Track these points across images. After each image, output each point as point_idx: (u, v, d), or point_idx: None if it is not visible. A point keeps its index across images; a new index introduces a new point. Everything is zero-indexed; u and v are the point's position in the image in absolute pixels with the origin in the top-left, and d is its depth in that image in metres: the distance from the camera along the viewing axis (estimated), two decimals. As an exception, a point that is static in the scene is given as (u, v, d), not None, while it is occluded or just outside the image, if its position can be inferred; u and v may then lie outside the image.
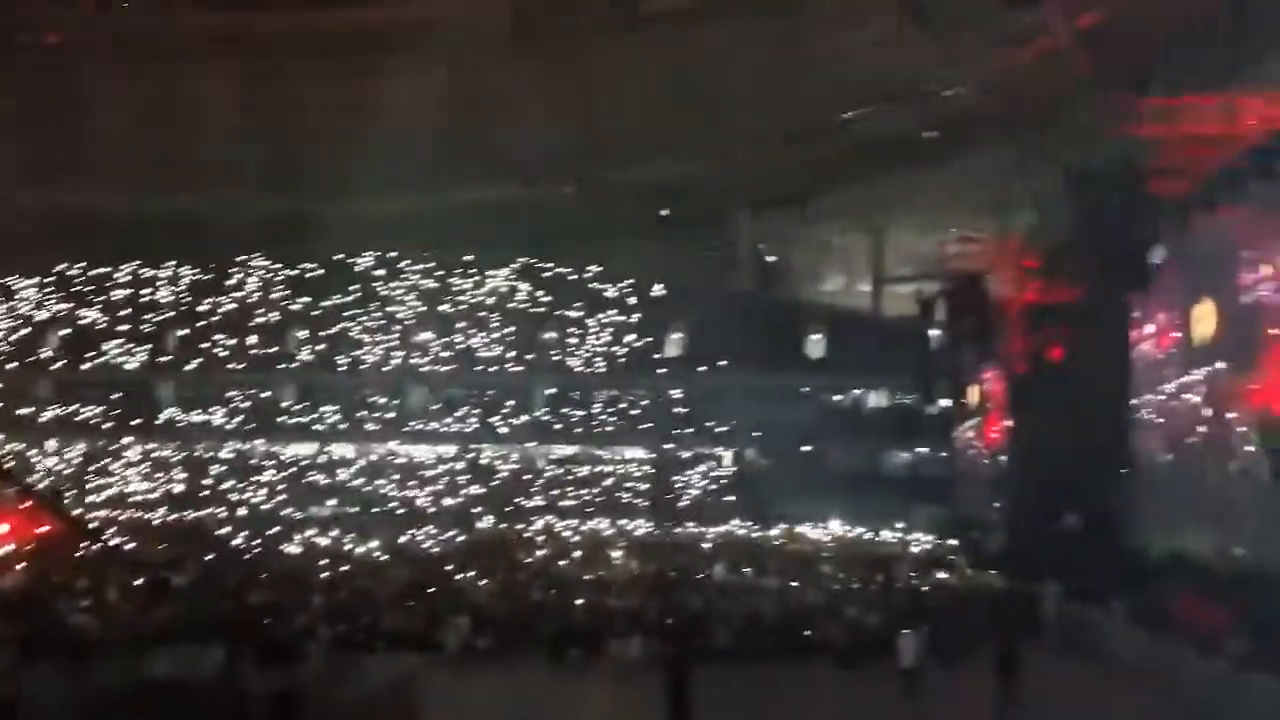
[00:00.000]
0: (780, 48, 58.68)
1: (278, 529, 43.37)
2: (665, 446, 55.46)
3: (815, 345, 58.46)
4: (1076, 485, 31.88)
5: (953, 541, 38.36)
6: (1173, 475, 25.78)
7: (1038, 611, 25.71)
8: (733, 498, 52.94)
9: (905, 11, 54.61)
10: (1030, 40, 50.08)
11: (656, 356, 57.78)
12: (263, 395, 56.49)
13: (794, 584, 29.10)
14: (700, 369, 56.31)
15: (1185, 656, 18.23)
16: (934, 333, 45.33)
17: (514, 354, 57.79)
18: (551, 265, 60.80)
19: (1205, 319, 23.79)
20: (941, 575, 30.17)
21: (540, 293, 59.75)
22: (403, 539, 39.19)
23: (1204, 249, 23.81)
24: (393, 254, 60.94)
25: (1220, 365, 22.92)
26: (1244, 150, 20.89)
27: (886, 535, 41.13)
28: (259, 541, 38.97)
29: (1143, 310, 27.16)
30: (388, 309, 59.37)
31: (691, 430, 55.47)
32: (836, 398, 58.69)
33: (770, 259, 67.67)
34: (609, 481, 54.84)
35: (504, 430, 56.19)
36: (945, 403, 47.37)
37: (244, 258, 60.91)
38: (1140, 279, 24.34)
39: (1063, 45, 47.74)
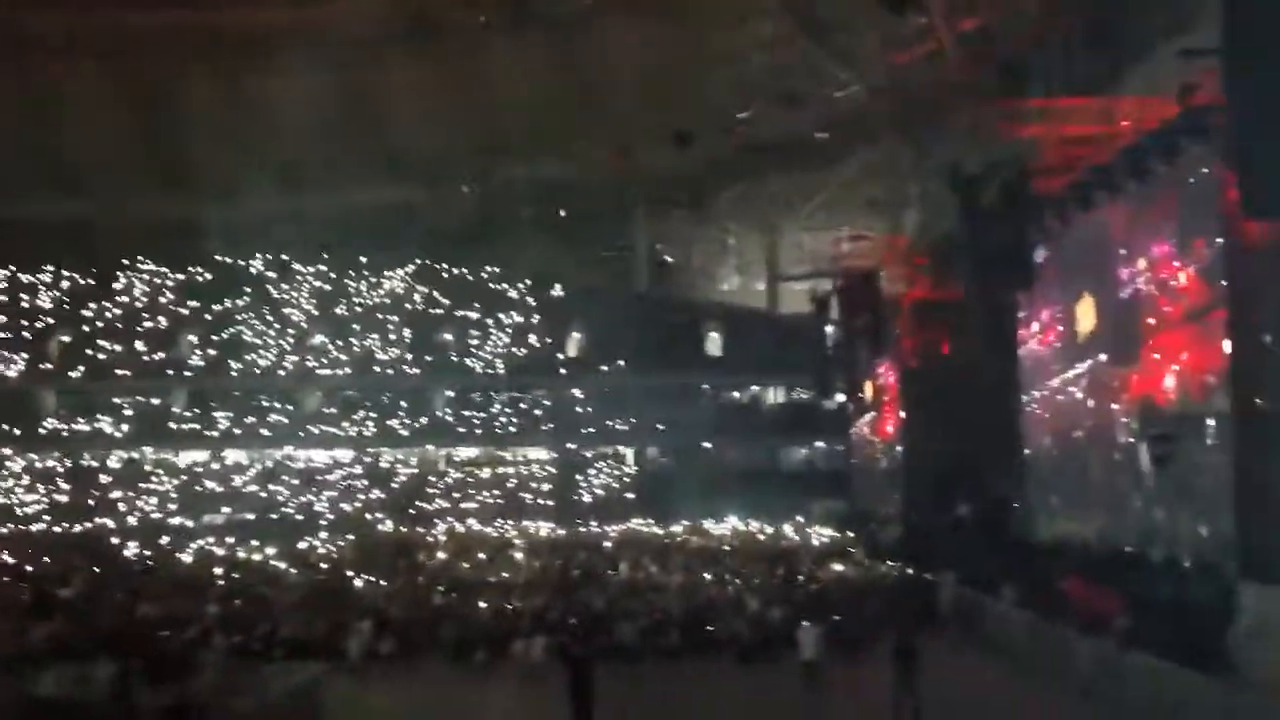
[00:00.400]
0: (675, 47, 59.08)
1: (170, 538, 42.36)
2: (567, 446, 55.53)
3: (713, 343, 59.08)
4: (968, 477, 32.77)
5: (850, 534, 39.06)
6: (1059, 465, 26.63)
7: (934, 601, 26.36)
8: (635, 496, 53.24)
9: (795, 14, 55.46)
10: (916, 43, 51.24)
11: (557, 356, 57.78)
12: (152, 402, 55.07)
13: (696, 580, 29.30)
14: (600, 368, 56.48)
15: (1072, 638, 18.85)
16: (829, 330, 46.07)
17: (412, 356, 57.26)
18: (449, 266, 60.34)
19: (1086, 314, 24.66)
20: (840, 568, 30.67)
21: (438, 294, 59.25)
22: (301, 545, 38.53)
23: (1084, 246, 24.65)
24: (285, 256, 59.85)
25: (1101, 358, 23.76)
26: (1119, 151, 21.69)
27: (786, 530, 41.69)
28: (150, 551, 37.94)
29: (1028, 306, 28.00)
30: (281, 312, 58.29)
31: (593, 430, 55.62)
32: (735, 395, 59.40)
33: (668, 258, 68.13)
34: (511, 482, 54.72)
35: (403, 433, 55.64)
36: (841, 399, 48.20)
37: (130, 261, 59.24)
38: (1025, 276, 25.04)
39: (947, 48, 48.95)
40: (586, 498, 54.01)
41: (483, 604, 26.37)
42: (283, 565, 33.61)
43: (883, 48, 52.65)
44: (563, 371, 56.97)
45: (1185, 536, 19.82)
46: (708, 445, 57.09)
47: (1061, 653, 19.21)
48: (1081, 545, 24.49)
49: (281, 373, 56.19)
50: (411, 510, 51.02)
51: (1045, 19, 43.39)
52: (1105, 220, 23.31)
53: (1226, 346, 18.11)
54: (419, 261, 60.26)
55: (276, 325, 57.73)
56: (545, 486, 54.58)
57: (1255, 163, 14.95)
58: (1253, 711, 13.52)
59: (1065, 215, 24.85)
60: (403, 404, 56.27)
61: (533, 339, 57.72)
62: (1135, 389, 21.82)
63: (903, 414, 38.77)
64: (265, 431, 54.70)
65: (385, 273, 59.83)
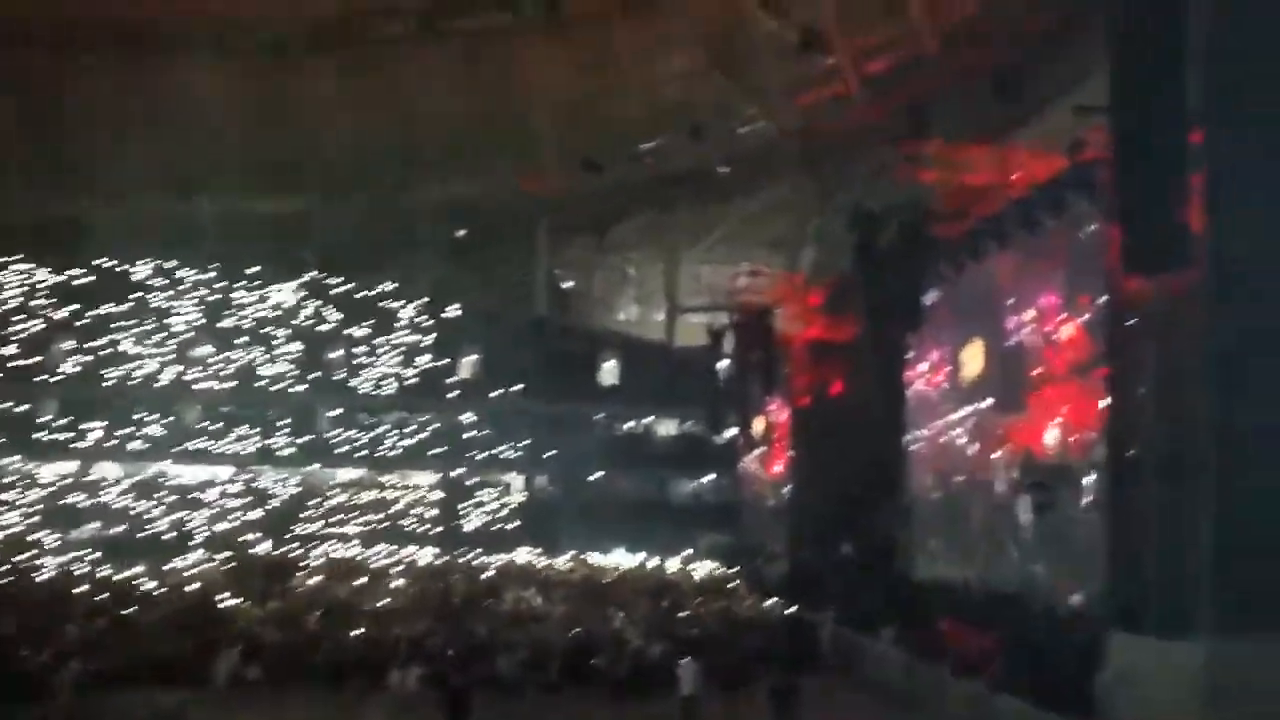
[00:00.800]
0: (588, 74, 59.18)
1: (31, 553, 40.50)
2: (454, 471, 54.73)
3: (609, 372, 58.92)
4: (854, 515, 33.04)
5: (735, 569, 39.08)
6: (942, 507, 26.99)
7: (814, 639, 26.42)
8: (521, 524, 52.65)
9: (708, 49, 56.02)
10: (824, 84, 52.12)
11: (448, 379, 57.00)
12: (18, 409, 52.79)
13: (579, 612, 28.96)
14: (492, 393, 55.87)
15: (947, 679, 19.02)
16: (724, 364, 46.32)
17: (298, 372, 55.93)
18: (342, 281, 59.14)
19: (974, 358, 25.10)
20: (723, 603, 30.61)
21: (329, 309, 57.99)
22: (172, 564, 37.17)
23: (976, 292, 25.11)
24: (172, 263, 57.94)
25: (987, 402, 24.19)
26: (1010, 201, 22.19)
27: (672, 563, 41.58)
28: (8, 567, 36.15)
29: (918, 349, 28.42)
30: (164, 320, 56.40)
31: (482, 455, 54.93)
32: (628, 425, 59.27)
33: (567, 284, 67.89)
34: (395, 507, 53.71)
35: (285, 452, 54.27)
36: (733, 433, 48.39)
37: (3, 260, 56.79)
38: (915, 318, 25.46)
39: (853, 90, 49.87)
40: (471, 525, 53.26)
41: (359, 630, 25.64)
42: (151, 585, 32.34)
43: (791, 87, 53.49)
44: (454, 395, 56.20)
45: (1060, 583, 20.18)
46: (598, 475, 56.81)
47: (936, 693, 19.36)
48: (960, 587, 24.80)
49: (159, 384, 54.37)
50: (290, 532, 49.73)
51: (949, 67, 44.55)
52: (996, 267, 23.77)
53: (1106, 400, 18.53)
54: (311, 275, 58.92)
55: (157, 334, 55.86)
56: (430, 512, 53.70)
57: (1136, 219, 15.35)
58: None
59: (958, 261, 25.32)
60: (285, 422, 54.91)
61: (424, 360, 56.82)
62: (1019, 438, 22.22)
63: (792, 451, 39.04)
64: (139, 445, 52.82)
65: (275, 285, 58.24)
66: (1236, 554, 15.48)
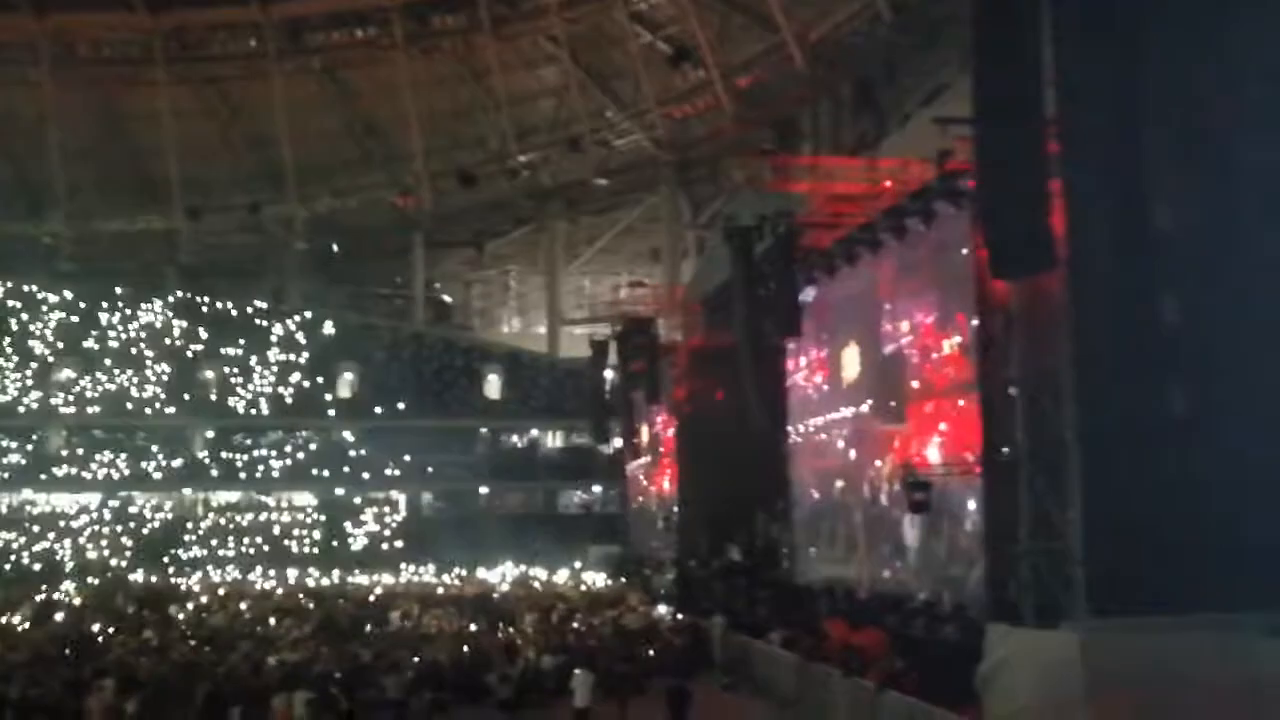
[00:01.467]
0: (461, 87, 58.94)
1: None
2: (336, 491, 53.78)
3: (491, 386, 58.60)
4: (740, 520, 33.48)
5: (625, 579, 39.26)
6: (826, 510, 27.53)
7: (705, 643, 26.70)
8: (405, 542, 51.98)
9: (581, 62, 56.31)
10: (695, 97, 52.89)
11: (327, 397, 56.01)
12: None
13: (467, 628, 28.74)
14: (373, 410, 55.08)
15: (835, 678, 19.41)
16: (608, 375, 46.52)
17: (169, 394, 54.33)
18: (213, 300, 57.64)
19: (851, 362, 25.71)
20: (614, 613, 30.72)
21: (200, 329, 56.45)
22: (38, 596, 35.75)
23: (853, 299, 25.72)
24: (31, 285, 55.75)
25: (865, 405, 24.78)
26: (881, 210, 22.82)
27: (561, 575, 41.55)
28: None
29: (796, 356, 28.97)
30: (24, 343, 54.21)
31: (364, 474, 54.10)
32: (512, 439, 59.02)
33: (446, 298, 67.38)
34: (275, 529, 52.52)
35: (157, 476, 52.67)
36: (618, 444, 48.58)
37: None
38: (793, 325, 25.98)
39: (724, 104, 50.71)
40: (355, 545, 52.38)
41: (239, 657, 25.00)
42: (15, 619, 31.04)
43: (663, 100, 54.13)
44: (332, 413, 55.24)
45: (943, 580, 20.79)
46: (484, 490, 56.45)
47: (824, 693, 19.74)
48: (846, 588, 25.35)
49: (21, 409, 52.30)
50: (165, 558, 48.28)
51: (816, 81, 45.67)
52: (874, 275, 24.37)
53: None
54: (179, 294, 57.28)
55: (16, 357, 53.69)
56: (311, 533, 52.65)
57: (1000, 225, 15.95)
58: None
59: (832, 269, 25.92)
60: (157, 445, 53.29)
61: (300, 378, 55.70)
62: (900, 449, 22.72)
63: (677, 459, 39.38)
64: (1, 473, 50.79)
65: (142, 305, 56.43)
66: (1103, 544, 16.19)
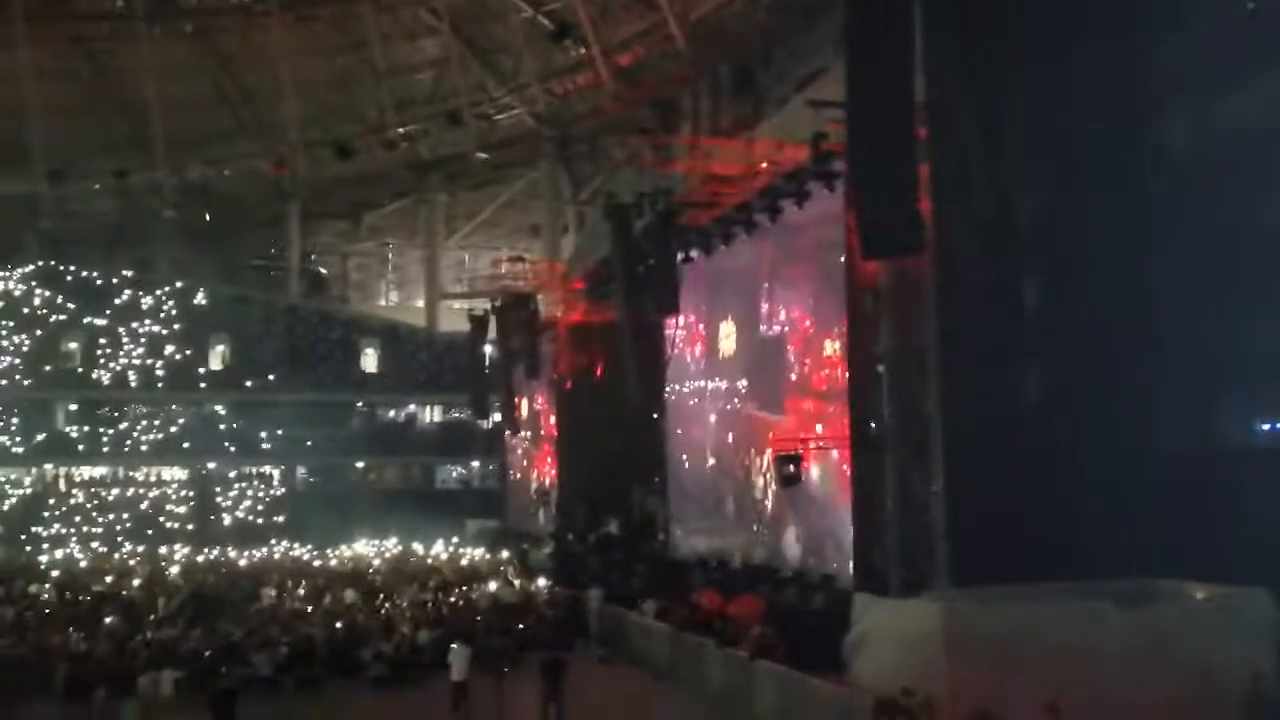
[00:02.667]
0: (339, 56, 57.77)
1: None
2: (207, 465, 52.57)
3: (369, 359, 57.88)
4: (617, 495, 33.80)
5: (504, 554, 39.30)
6: (701, 484, 28.00)
7: (582, 616, 26.96)
8: (281, 517, 51.14)
9: (461, 35, 55.68)
10: (576, 73, 52.80)
11: (199, 370, 54.62)
12: None
13: (343, 604, 28.48)
14: (246, 383, 53.93)
15: (708, 648, 19.84)
16: (487, 350, 46.34)
17: (29, 365, 52.32)
18: (78, 269, 55.58)
19: (728, 338, 26.16)
20: (492, 587, 30.77)
21: (62, 298, 54.40)
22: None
23: (727, 275, 26.15)
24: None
25: (742, 382, 25.27)
26: (756, 190, 23.23)
27: (439, 549, 41.40)
28: None
29: (675, 332, 29.32)
30: None
31: (236, 447, 52.97)
32: (390, 413, 58.40)
33: (322, 270, 66.20)
34: (143, 504, 51.12)
35: (16, 450, 50.75)
36: (497, 418, 48.50)
37: None
38: (671, 301, 26.31)
39: (605, 81, 50.75)
40: (227, 520, 51.32)
41: (105, 637, 24.38)
42: None
43: (545, 75, 53.90)
44: (204, 385, 53.91)
45: (817, 552, 21.40)
46: (360, 464, 55.81)
47: (698, 663, 20.16)
48: (719, 560, 25.86)
49: None
50: (23, 535, 46.63)
51: (696, 61, 46.02)
52: (755, 254, 24.78)
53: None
54: (40, 263, 55.08)
55: None
56: (181, 508, 51.41)
57: (870, 207, 16.42)
58: (839, 710, 14.88)
59: (709, 247, 26.29)
60: (16, 418, 51.33)
61: (171, 349, 54.17)
62: (775, 438, 23.01)
63: (555, 433, 39.51)
64: None
65: (0, 273, 54.17)
66: (965, 517, 16.89)
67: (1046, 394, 17.13)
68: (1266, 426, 18.19)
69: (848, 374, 19.84)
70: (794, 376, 22.59)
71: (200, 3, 55.94)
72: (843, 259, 19.63)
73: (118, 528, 49.29)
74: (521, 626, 25.40)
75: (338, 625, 25.39)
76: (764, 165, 23.08)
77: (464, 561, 38.30)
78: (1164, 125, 18.15)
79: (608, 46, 50.24)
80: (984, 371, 17.20)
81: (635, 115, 48.95)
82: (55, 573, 36.31)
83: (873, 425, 19.03)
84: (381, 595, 29.74)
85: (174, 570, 36.56)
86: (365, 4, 54.58)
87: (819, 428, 21.04)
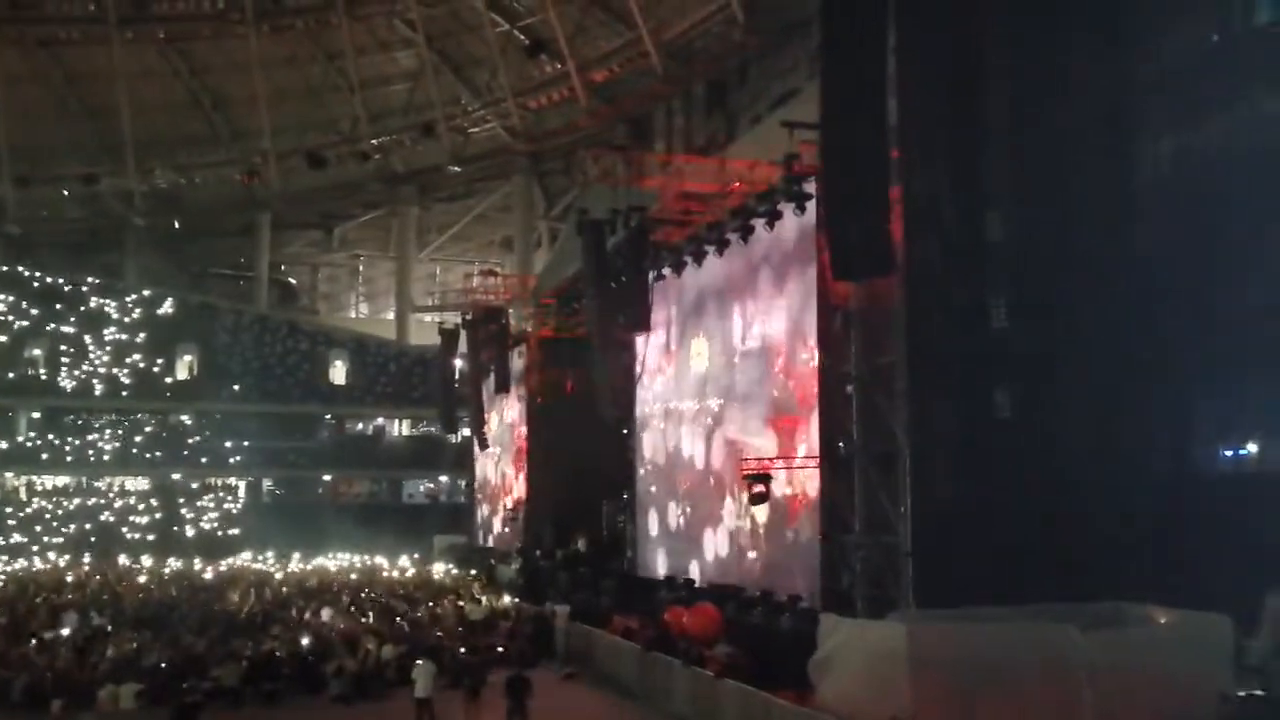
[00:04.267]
0: (310, 67, 57.61)
1: None
2: (172, 476, 52.06)
3: (337, 371, 57.58)
4: (586, 511, 33.69)
5: (471, 570, 39.09)
6: (669, 501, 27.94)
7: (548, 633, 26.81)
8: (244, 529, 50.69)
9: (436, 49, 55.68)
10: (550, 88, 52.92)
11: (166, 380, 54.17)
12: None
13: (306, 617, 28.20)
14: (213, 393, 53.50)
15: (675, 667, 19.77)
16: (457, 363, 46.18)
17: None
18: (43, 274, 55.05)
19: (700, 356, 26.14)
20: (458, 603, 30.56)
21: (28, 304, 53.87)
22: None
23: (699, 294, 26.14)
24: None
25: (713, 400, 25.25)
26: (728, 209, 23.27)
27: (404, 564, 41.13)
28: None
29: (646, 348, 29.29)
30: None
31: (202, 458, 52.49)
32: (359, 426, 58.09)
33: (291, 281, 65.88)
34: (106, 515, 50.53)
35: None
36: (466, 433, 48.32)
37: None
38: (642, 318, 26.30)
39: (579, 96, 50.88)
40: (191, 531, 50.82)
41: (64, 648, 24.03)
42: None
43: (519, 90, 53.97)
44: (170, 395, 53.45)
45: (784, 571, 21.38)
46: (327, 477, 55.44)
47: (664, 681, 20.09)
48: (687, 578, 25.79)
49: None
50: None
51: (670, 79, 46.25)
52: (729, 273, 24.79)
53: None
54: (5, 267, 54.57)
55: None
56: (145, 519, 50.85)
57: (842, 229, 16.48)
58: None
59: (680, 266, 26.29)
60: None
61: (137, 358, 53.70)
62: (744, 457, 22.87)
63: (525, 449, 39.36)
64: None
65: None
66: (931, 537, 16.93)
67: (1014, 415, 17.22)
68: (1230, 453, 18.36)
69: (817, 393, 19.86)
70: (773, 394, 22.59)
71: (173, 9, 55.68)
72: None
73: (79, 538, 48.67)
74: (487, 643, 25.22)
75: (301, 639, 25.13)
76: (736, 184, 23.13)
77: (430, 577, 38.04)
78: (1137, 148, 18.34)
79: (583, 63, 50.41)
80: (952, 392, 17.27)
81: (609, 131, 49.13)
82: (4, 585, 35.76)
83: (841, 445, 19.06)
84: (345, 609, 29.47)
85: (136, 581, 36.12)
86: (340, 15, 54.50)
87: (802, 448, 20.90)
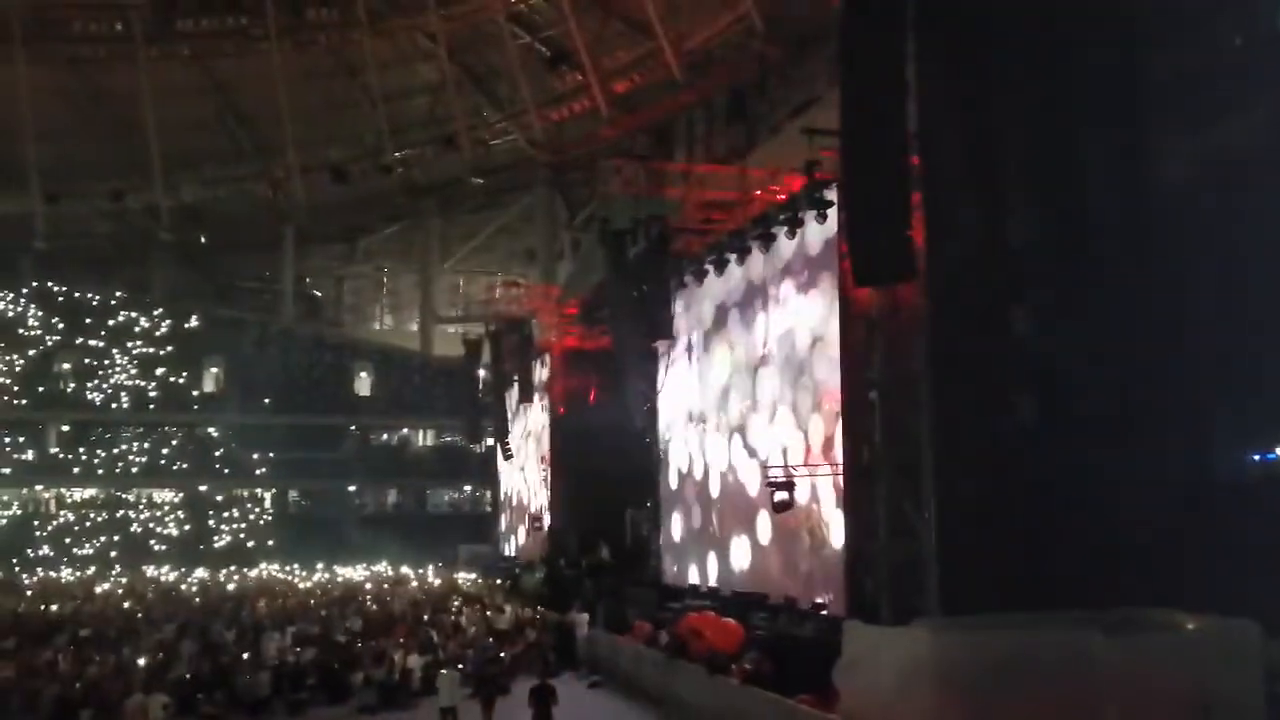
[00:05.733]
0: (333, 81, 58.01)
1: None
2: (199, 488, 52.44)
3: (362, 383, 57.90)
4: (610, 520, 33.73)
5: (496, 579, 39.18)
6: (693, 510, 27.94)
7: (571, 641, 26.88)
8: (272, 540, 51.01)
9: (458, 61, 55.96)
10: (572, 100, 53.10)
11: (193, 392, 54.60)
12: None
13: (333, 627, 28.36)
14: (240, 406, 53.89)
15: (700, 675, 19.77)
16: (481, 374, 46.36)
17: (21, 386, 52.26)
18: (71, 289, 55.66)
19: (723, 364, 26.15)
20: (483, 611, 30.66)
21: (56, 319, 54.46)
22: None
23: (722, 303, 26.17)
24: None
25: (736, 408, 25.25)
26: (749, 218, 23.30)
27: (430, 574, 41.28)
28: None
29: (669, 356, 29.34)
30: None
31: (228, 470, 52.85)
32: (384, 437, 58.36)
33: (316, 294, 66.27)
34: (134, 526, 50.97)
35: (6, 471, 50.60)
36: (490, 443, 48.46)
37: None
38: (665, 327, 26.36)
39: (600, 107, 51.01)
40: (219, 542, 51.17)
41: (95, 658, 24.25)
42: None
43: (541, 101, 54.17)
44: (196, 407, 53.88)
45: (808, 578, 21.35)
46: (352, 488, 55.71)
47: (688, 689, 20.09)
48: (711, 587, 25.78)
49: None
50: (12, 558, 46.44)
51: (690, 89, 46.33)
52: (745, 279, 24.83)
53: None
54: (35, 283, 55.19)
55: None
56: (172, 530, 51.24)
57: (864, 236, 16.49)
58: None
59: (701, 274, 26.34)
60: (7, 439, 51.23)
61: (164, 371, 54.18)
62: (767, 464, 22.84)
63: (549, 458, 39.45)
64: None
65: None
66: (956, 544, 16.86)
67: (1038, 421, 17.14)
68: (1257, 457, 18.21)
69: (841, 400, 19.84)
70: (796, 402, 22.59)
71: (198, 26, 56.23)
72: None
73: (109, 551, 49.13)
74: (512, 652, 25.30)
75: (328, 649, 25.28)
76: (757, 193, 23.16)
77: (461, 586, 38.16)
78: (1159, 151, 18.25)
79: (604, 73, 50.58)
80: (976, 398, 17.20)
81: (630, 142, 49.26)
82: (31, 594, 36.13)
83: (865, 452, 19.02)
84: (371, 619, 29.61)
85: (164, 592, 36.40)
86: (362, 29, 54.90)
87: (826, 455, 20.84)
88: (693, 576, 27.28)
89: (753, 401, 24.27)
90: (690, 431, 28.08)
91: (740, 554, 24.62)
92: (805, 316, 21.92)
